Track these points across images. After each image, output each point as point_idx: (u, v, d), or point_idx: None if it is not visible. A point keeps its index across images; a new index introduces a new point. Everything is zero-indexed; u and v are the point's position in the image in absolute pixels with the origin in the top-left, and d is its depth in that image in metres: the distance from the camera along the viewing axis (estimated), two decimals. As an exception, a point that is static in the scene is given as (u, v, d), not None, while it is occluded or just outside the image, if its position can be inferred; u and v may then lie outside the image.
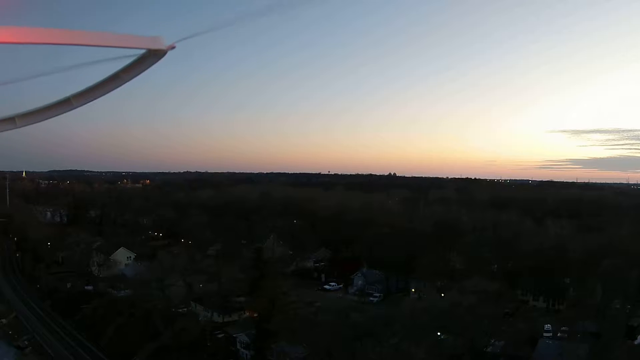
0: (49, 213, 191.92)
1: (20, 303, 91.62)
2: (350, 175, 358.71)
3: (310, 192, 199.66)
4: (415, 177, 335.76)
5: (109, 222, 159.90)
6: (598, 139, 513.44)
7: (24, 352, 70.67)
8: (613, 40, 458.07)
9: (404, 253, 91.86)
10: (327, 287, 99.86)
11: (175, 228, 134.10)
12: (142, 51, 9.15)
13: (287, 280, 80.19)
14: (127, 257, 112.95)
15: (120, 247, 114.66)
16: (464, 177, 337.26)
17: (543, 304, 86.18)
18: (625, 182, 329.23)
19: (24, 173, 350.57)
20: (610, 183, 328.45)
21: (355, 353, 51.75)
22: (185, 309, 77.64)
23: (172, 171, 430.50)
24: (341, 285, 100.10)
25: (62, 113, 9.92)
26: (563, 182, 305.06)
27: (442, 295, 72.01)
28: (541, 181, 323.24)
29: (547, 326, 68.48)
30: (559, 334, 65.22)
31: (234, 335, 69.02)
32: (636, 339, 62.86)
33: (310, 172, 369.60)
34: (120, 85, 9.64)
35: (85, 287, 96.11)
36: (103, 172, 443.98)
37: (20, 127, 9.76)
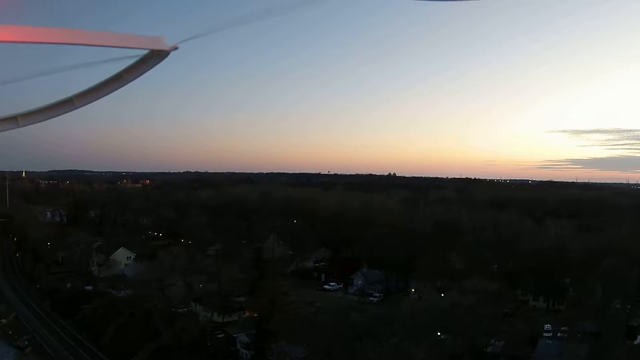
0: (48, 213, 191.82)
1: (20, 303, 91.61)
2: (350, 175, 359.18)
3: (310, 192, 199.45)
4: (415, 177, 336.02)
5: (109, 222, 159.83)
6: (598, 139, 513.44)
7: (24, 352, 70.67)
8: (613, 40, 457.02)
9: (404, 253, 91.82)
10: (327, 287, 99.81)
11: (175, 228, 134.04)
12: (144, 52, 9.15)
13: (287, 280, 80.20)
14: (127, 257, 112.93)
15: (120, 247, 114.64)
16: (464, 177, 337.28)
17: (543, 304, 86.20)
18: (625, 182, 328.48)
19: (24, 173, 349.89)
20: (610, 183, 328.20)
21: (355, 353, 51.78)
22: (185, 309, 77.63)
23: (172, 171, 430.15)
24: (341, 285, 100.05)
25: (64, 113, 9.91)
26: (563, 182, 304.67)
27: (442, 295, 72.07)
28: (541, 181, 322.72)
29: (547, 326, 68.50)
30: (559, 334, 65.20)
31: (234, 335, 69.01)
32: (636, 339, 62.88)
33: (310, 172, 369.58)
34: (123, 86, 9.62)
35: (85, 287, 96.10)
36: (103, 172, 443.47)
37: (22, 126, 9.75)
